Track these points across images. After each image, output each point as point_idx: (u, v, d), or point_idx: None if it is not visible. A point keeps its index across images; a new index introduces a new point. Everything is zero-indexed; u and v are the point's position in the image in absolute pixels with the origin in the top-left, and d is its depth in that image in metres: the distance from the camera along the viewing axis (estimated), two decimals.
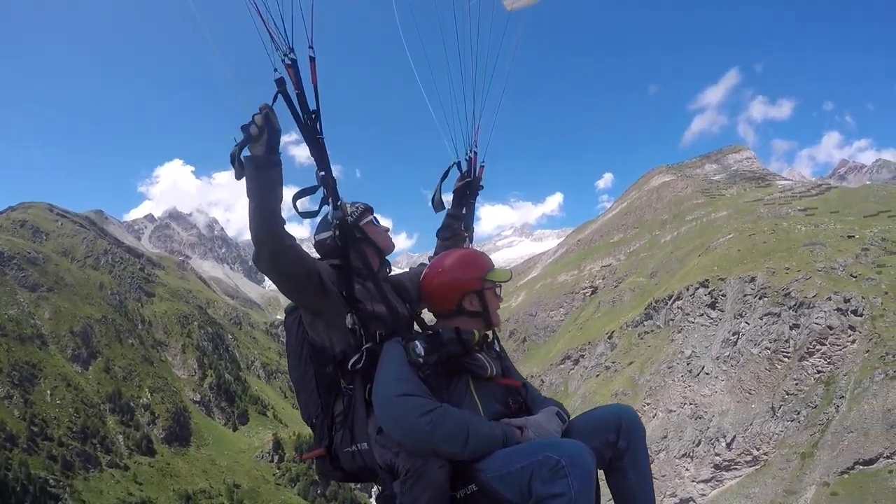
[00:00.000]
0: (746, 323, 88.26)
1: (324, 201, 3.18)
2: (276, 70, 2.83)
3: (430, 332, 3.19)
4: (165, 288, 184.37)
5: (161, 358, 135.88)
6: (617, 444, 2.90)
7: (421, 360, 2.88)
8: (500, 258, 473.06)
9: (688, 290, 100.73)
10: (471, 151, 4.27)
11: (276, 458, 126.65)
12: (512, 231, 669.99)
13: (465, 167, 4.29)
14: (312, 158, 3.05)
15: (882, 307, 78.57)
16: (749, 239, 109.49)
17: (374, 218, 3.66)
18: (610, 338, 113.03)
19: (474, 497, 2.66)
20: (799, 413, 74.58)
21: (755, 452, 74.75)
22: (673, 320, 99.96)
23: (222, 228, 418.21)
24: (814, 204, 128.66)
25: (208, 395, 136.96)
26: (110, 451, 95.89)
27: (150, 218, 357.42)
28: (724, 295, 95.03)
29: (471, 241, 4.28)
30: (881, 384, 70.29)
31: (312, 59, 2.91)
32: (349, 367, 3.05)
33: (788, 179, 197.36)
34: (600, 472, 2.93)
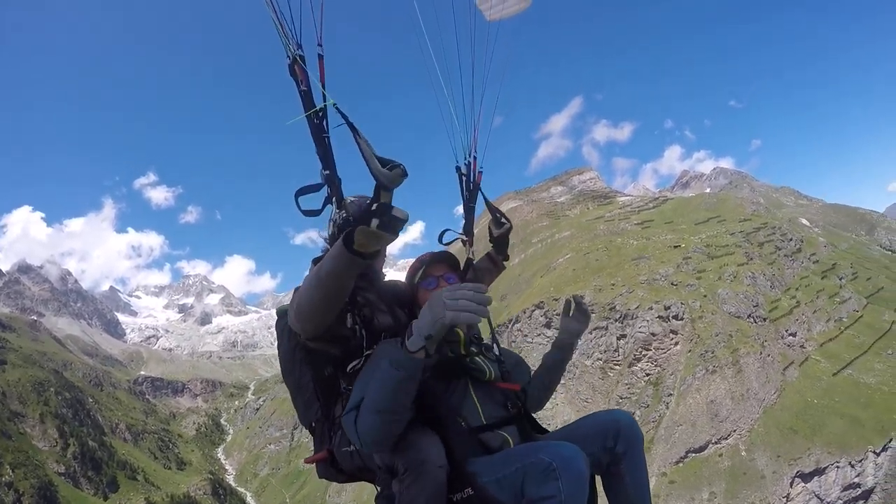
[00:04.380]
0: (579, 338, 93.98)
1: (327, 200, 2.94)
2: (294, 62, 2.82)
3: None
4: (17, 353, 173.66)
5: (19, 430, 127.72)
6: (614, 449, 2.96)
7: None
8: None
9: (525, 312, 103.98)
10: (470, 156, 4.25)
11: None
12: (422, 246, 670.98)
13: (464, 171, 4.26)
14: (318, 156, 2.86)
15: (701, 309, 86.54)
16: (584, 258, 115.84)
17: None
18: None
19: (470, 501, 2.70)
20: (633, 414, 76.89)
21: None
22: (514, 342, 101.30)
23: (76, 280, 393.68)
24: (650, 217, 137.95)
25: (73, 465, 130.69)
26: None
27: None
28: (557, 314, 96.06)
29: (471, 245, 4.30)
30: (703, 379, 78.46)
31: (321, 57, 2.85)
32: (348, 369, 3.07)
33: (629, 195, 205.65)
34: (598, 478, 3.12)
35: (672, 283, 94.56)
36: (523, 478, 2.53)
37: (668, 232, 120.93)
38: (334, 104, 2.69)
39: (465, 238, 4.28)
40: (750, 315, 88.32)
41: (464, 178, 4.29)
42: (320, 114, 2.82)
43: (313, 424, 3.35)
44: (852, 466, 68.97)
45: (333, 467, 3.30)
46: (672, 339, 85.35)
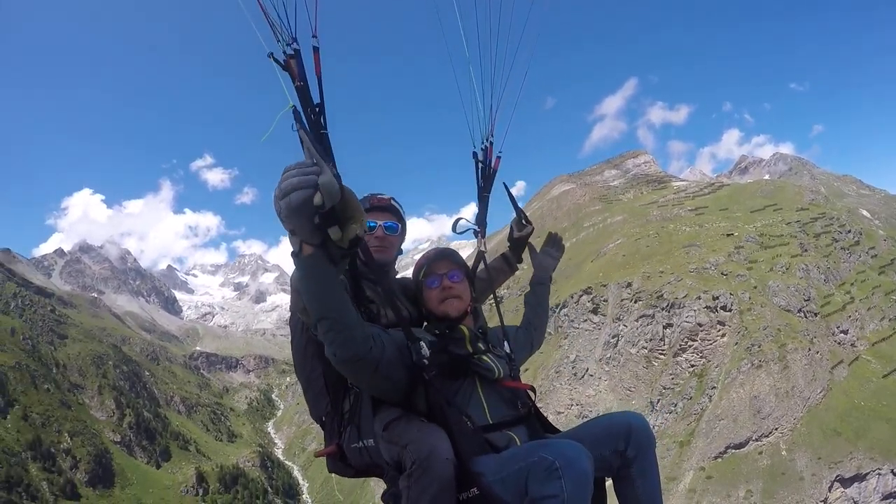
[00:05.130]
0: (624, 325, 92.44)
1: None
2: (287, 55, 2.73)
3: (437, 332, 3.26)
4: (78, 329, 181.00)
5: (78, 401, 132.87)
6: (625, 452, 2.94)
7: (426, 361, 2.90)
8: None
9: (572, 297, 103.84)
10: (487, 141, 4.11)
11: (200, 491, 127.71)
12: (429, 244, 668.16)
13: (480, 156, 4.11)
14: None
15: (750, 301, 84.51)
16: (635, 243, 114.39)
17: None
18: None
19: (476, 501, 2.67)
20: (676, 405, 79.81)
21: None
22: (561, 327, 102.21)
23: (135, 260, 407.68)
24: (705, 203, 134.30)
25: (128, 434, 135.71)
26: (35, 497, 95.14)
27: (59, 252, 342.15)
28: (605, 300, 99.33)
29: (483, 236, 4.18)
30: (748, 373, 76.87)
31: (316, 50, 2.81)
32: None
33: (685, 180, 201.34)
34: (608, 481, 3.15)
35: (722, 273, 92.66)
36: (527, 476, 2.51)
37: (721, 219, 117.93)
38: (293, 107, 2.62)
39: (477, 228, 4.19)
40: (800, 309, 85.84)
41: (479, 165, 4.14)
42: (317, 109, 2.77)
43: (323, 419, 3.39)
44: (895, 475, 66.95)
45: (343, 462, 3.32)
46: (719, 330, 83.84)
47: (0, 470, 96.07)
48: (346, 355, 2.65)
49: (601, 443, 2.94)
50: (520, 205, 4.30)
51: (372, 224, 3.60)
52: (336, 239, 2.40)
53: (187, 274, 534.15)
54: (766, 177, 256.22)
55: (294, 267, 2.54)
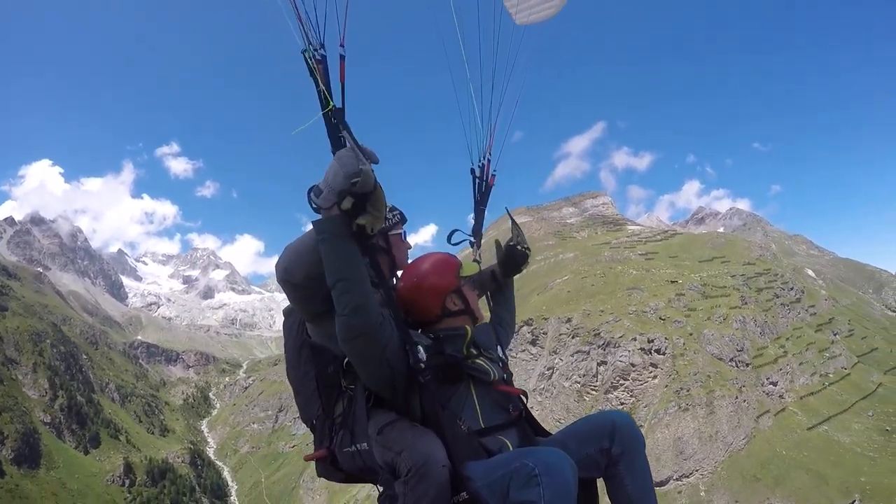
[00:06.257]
0: (560, 359, 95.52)
1: None
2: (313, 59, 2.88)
3: (433, 336, 3.23)
4: (19, 302, 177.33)
5: (11, 376, 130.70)
6: (611, 450, 2.95)
7: (422, 364, 2.91)
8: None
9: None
10: (484, 158, 4.25)
11: (127, 481, 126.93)
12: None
13: (478, 173, 4.27)
14: (333, 154, 2.82)
15: (683, 347, 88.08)
16: (581, 281, 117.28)
17: (404, 232, 3.78)
18: None
19: None
20: None
21: None
22: None
23: (86, 239, 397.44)
24: (656, 249, 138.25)
25: (59, 416, 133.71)
26: None
27: (9, 221, 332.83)
28: (545, 333, 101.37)
29: (478, 247, 4.27)
30: (674, 415, 79.93)
31: (342, 58, 2.91)
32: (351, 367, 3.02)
33: (640, 225, 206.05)
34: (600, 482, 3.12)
35: (661, 318, 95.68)
36: (508, 483, 2.55)
37: (669, 266, 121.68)
38: (330, 110, 2.88)
39: (473, 240, 4.28)
40: (732, 359, 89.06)
41: (477, 181, 4.35)
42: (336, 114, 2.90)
43: (314, 422, 3.37)
44: None
45: (333, 466, 3.30)
46: (651, 372, 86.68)
47: None
48: (359, 322, 2.73)
49: (586, 442, 3.01)
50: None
51: (405, 237, 3.81)
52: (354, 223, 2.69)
53: (137, 260, 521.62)
54: (721, 229, 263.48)
55: (317, 232, 2.73)
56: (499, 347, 3.52)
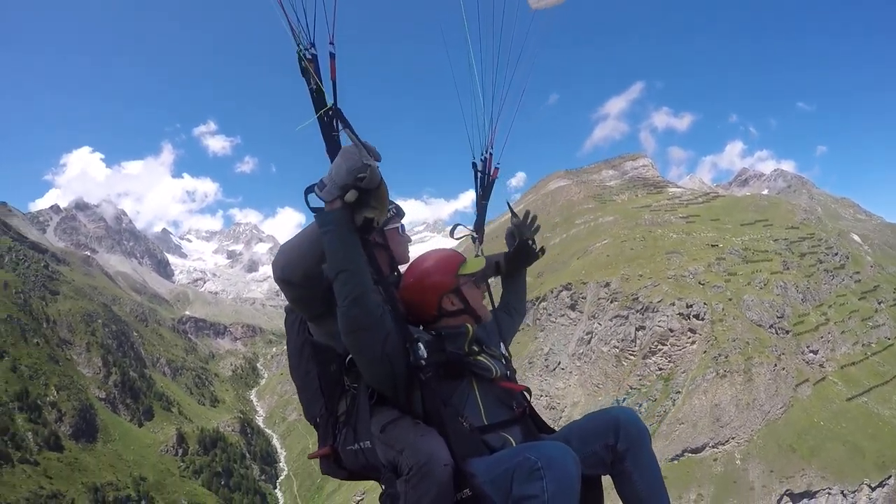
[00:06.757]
0: (599, 324, 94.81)
1: None
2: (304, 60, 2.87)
3: (434, 333, 3.18)
4: (70, 286, 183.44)
5: (66, 356, 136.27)
6: (616, 446, 2.93)
7: (423, 362, 2.88)
8: (411, 253, 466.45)
9: (552, 292, 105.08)
10: (486, 152, 4.19)
11: (180, 451, 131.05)
12: (424, 227, 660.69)
13: (480, 167, 4.20)
14: (328, 154, 2.92)
15: (723, 312, 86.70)
16: (620, 245, 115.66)
17: (402, 225, 3.77)
18: None
19: (469, 502, 2.69)
20: (640, 406, 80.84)
21: None
22: (539, 320, 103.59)
23: (131, 221, 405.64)
24: (697, 212, 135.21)
25: (113, 392, 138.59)
26: (20, 447, 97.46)
27: (55, 209, 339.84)
28: (584, 297, 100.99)
29: (480, 242, 4.24)
30: (711, 382, 79.43)
31: (332, 56, 2.88)
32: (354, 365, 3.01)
33: (681, 187, 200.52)
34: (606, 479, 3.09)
35: (700, 282, 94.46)
36: (511, 477, 2.53)
37: (710, 230, 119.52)
38: (330, 109, 2.90)
39: (475, 234, 4.26)
40: (772, 325, 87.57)
41: (479, 175, 4.27)
42: (329, 113, 2.92)
43: (317, 420, 3.37)
44: (844, 496, 68.45)
45: (336, 464, 3.31)
46: (689, 337, 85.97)
47: None
48: (360, 313, 2.73)
49: (590, 438, 2.98)
50: (521, 195, 4.51)
51: (402, 230, 3.81)
52: (357, 216, 2.72)
53: (181, 238, 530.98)
54: (765, 191, 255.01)
55: (321, 223, 2.72)
56: (501, 345, 3.48)
